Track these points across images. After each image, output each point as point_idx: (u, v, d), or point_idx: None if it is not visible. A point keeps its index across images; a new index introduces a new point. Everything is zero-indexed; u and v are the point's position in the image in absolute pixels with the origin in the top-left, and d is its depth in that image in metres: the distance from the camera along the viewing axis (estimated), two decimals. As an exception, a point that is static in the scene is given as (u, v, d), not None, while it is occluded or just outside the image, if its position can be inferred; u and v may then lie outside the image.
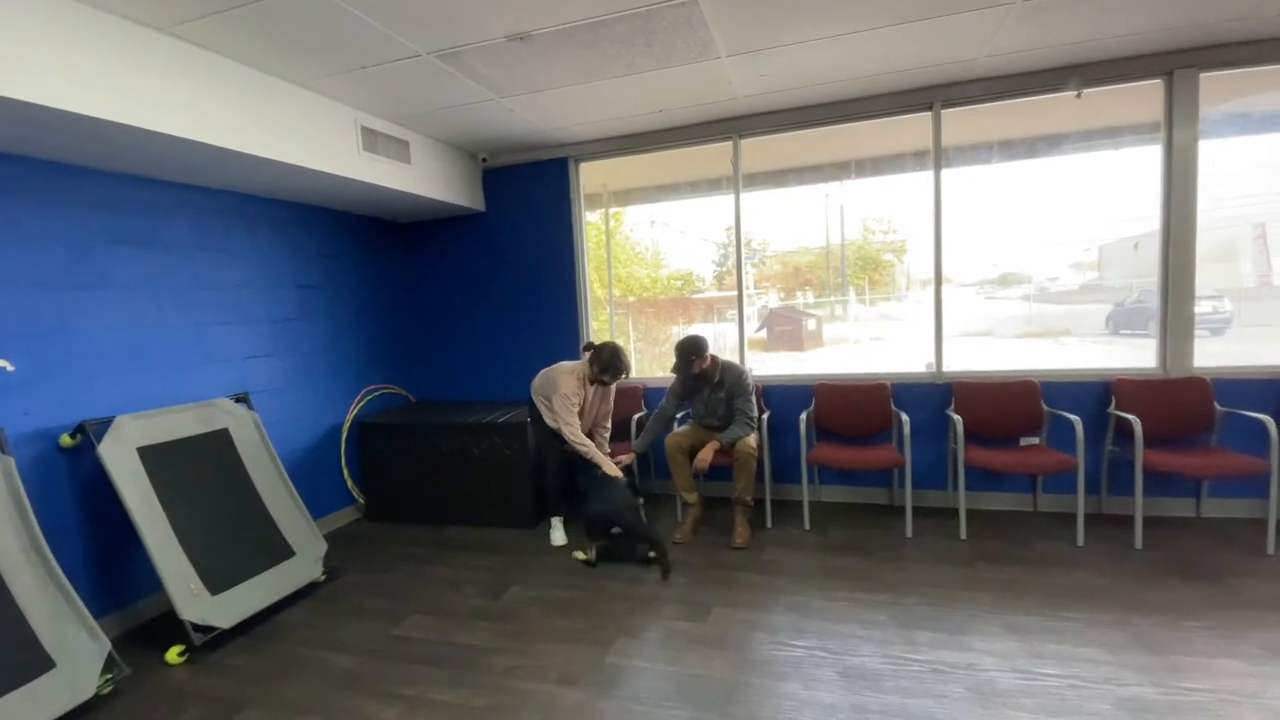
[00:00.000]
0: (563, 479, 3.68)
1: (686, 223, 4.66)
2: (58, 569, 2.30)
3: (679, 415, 3.74)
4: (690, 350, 3.38)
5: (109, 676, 2.29)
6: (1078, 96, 3.39)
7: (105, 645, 2.31)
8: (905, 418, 3.48)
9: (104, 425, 2.65)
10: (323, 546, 3.24)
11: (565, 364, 3.58)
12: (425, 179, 3.90)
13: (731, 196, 4.09)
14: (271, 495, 3.17)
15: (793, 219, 4.38)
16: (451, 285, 4.75)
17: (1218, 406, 3.28)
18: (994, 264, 4.15)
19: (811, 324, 4.69)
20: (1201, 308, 3.42)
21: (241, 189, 3.41)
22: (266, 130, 2.85)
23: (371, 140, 3.46)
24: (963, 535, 3.30)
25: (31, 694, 2.08)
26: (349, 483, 4.18)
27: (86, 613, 2.32)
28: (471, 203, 4.41)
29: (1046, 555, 3.05)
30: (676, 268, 4.82)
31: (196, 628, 2.53)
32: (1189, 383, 3.34)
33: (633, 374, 3.51)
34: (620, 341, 4.61)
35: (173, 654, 2.52)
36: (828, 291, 4.65)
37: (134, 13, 2.27)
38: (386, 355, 4.60)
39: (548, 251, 4.46)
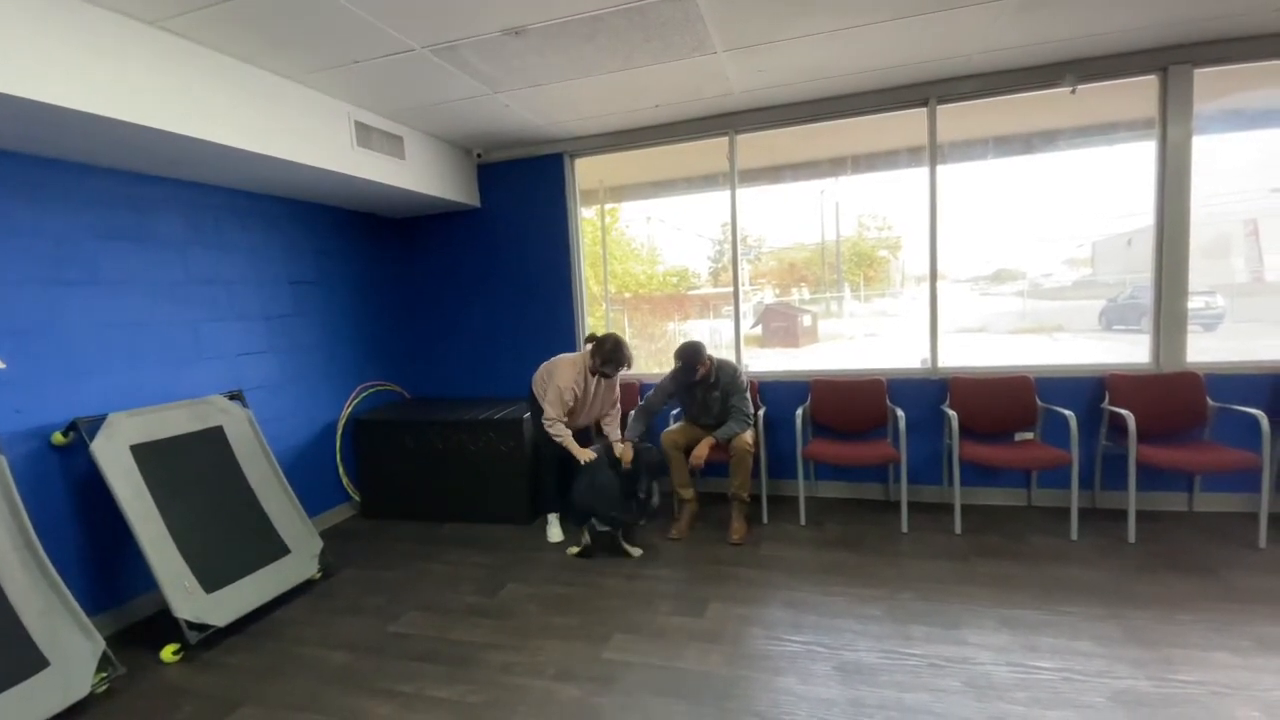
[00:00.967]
0: (560, 475, 3.68)
1: (682, 219, 4.66)
2: (51, 567, 2.29)
3: (673, 412, 3.73)
4: (694, 358, 3.36)
5: (103, 675, 2.28)
6: (1073, 92, 3.40)
7: (99, 644, 2.30)
8: (900, 413, 3.49)
9: (97, 423, 2.63)
10: (318, 544, 3.23)
11: (566, 356, 3.57)
12: (420, 174, 3.88)
13: (727, 192, 4.09)
14: (266, 492, 3.16)
15: (788, 215, 4.38)
16: (447, 281, 4.73)
17: (1210, 401, 3.30)
18: (988, 260, 4.16)
19: (807, 320, 4.70)
20: (1194, 303, 3.44)
21: (234, 184, 3.38)
22: (259, 125, 2.82)
23: (365, 135, 3.43)
24: (958, 530, 3.32)
25: (25, 693, 2.06)
26: (344, 480, 4.17)
27: (80, 611, 2.30)
28: (466, 198, 4.39)
29: (1041, 550, 3.07)
30: (672, 264, 4.81)
31: (191, 626, 2.52)
32: (1182, 378, 3.36)
33: (634, 367, 3.50)
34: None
35: (168, 652, 2.51)
36: (823, 287, 4.66)
37: (124, 6, 2.25)
38: (382, 351, 4.58)
39: (543, 247, 4.45)
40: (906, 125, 3.74)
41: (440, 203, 4.26)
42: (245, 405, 3.30)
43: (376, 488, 4.14)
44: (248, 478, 3.12)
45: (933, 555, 3.08)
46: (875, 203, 4.23)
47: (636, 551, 3.27)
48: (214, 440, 3.06)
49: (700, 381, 3.46)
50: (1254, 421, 2.98)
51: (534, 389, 3.60)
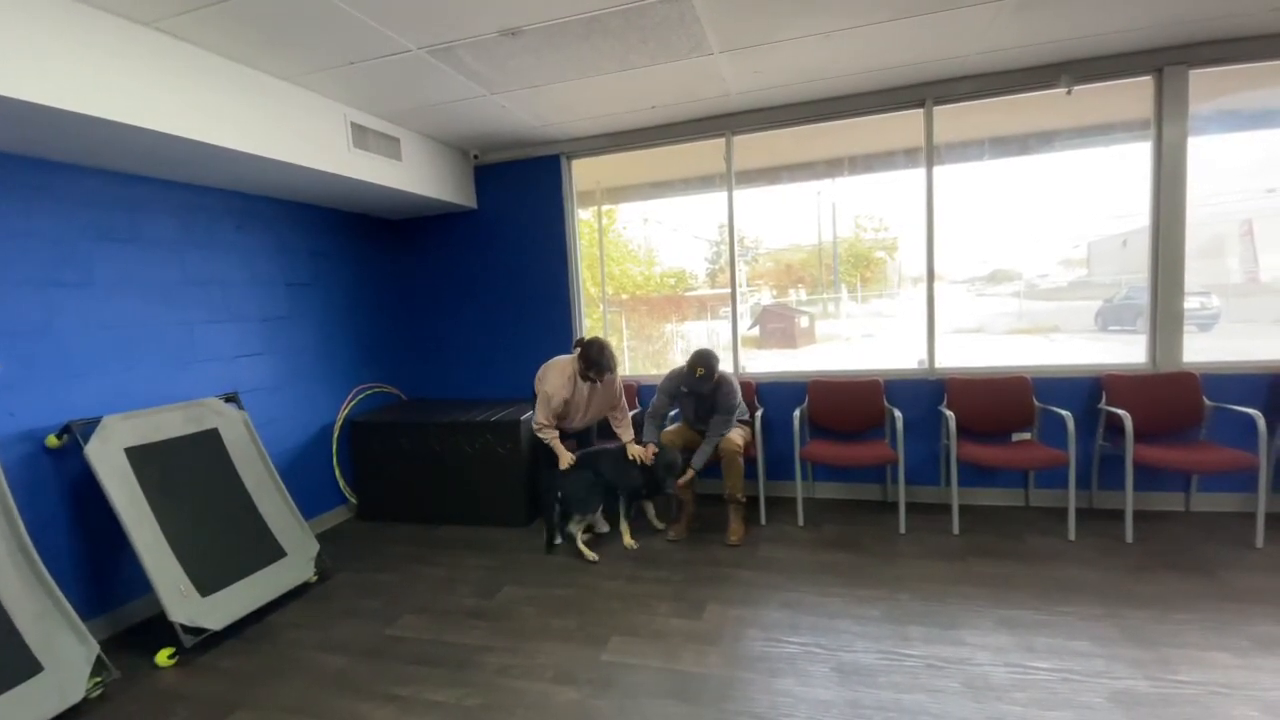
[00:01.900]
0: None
1: (679, 220, 4.65)
2: (45, 571, 2.27)
3: (670, 413, 3.73)
4: (712, 367, 3.31)
5: (98, 679, 2.27)
6: (1068, 93, 3.40)
7: (94, 648, 2.28)
8: (898, 414, 3.49)
9: (91, 425, 2.62)
10: (314, 546, 3.22)
11: (562, 359, 3.57)
12: (416, 176, 3.87)
13: (724, 194, 4.09)
14: (262, 495, 3.14)
15: (785, 216, 4.38)
16: (443, 283, 4.73)
17: (1206, 401, 3.31)
18: (985, 261, 4.17)
19: (804, 321, 4.70)
20: (1190, 303, 3.45)
21: (230, 185, 3.37)
22: (255, 126, 2.81)
23: (362, 137, 3.43)
24: (955, 530, 3.32)
25: (19, 698, 2.05)
26: (341, 482, 4.16)
27: (74, 615, 2.29)
28: (463, 200, 4.38)
29: (1038, 550, 3.08)
30: (669, 265, 4.81)
31: (187, 629, 2.51)
32: (1178, 378, 3.37)
33: (622, 369, 3.49)
34: (613, 339, 4.62)
35: (163, 656, 2.50)
36: (820, 289, 4.66)
37: (119, 7, 2.24)
38: (378, 353, 4.57)
39: (540, 249, 4.44)
40: (903, 126, 3.75)
41: (437, 204, 4.25)
42: (241, 407, 3.29)
43: (373, 490, 4.13)
44: (243, 480, 3.10)
45: (930, 556, 3.08)
46: (872, 204, 4.23)
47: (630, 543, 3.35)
48: (209, 443, 3.05)
49: (705, 391, 3.43)
50: (1250, 421, 2.99)
51: (536, 388, 3.59)
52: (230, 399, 3.28)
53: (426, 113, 3.56)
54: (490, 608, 2.84)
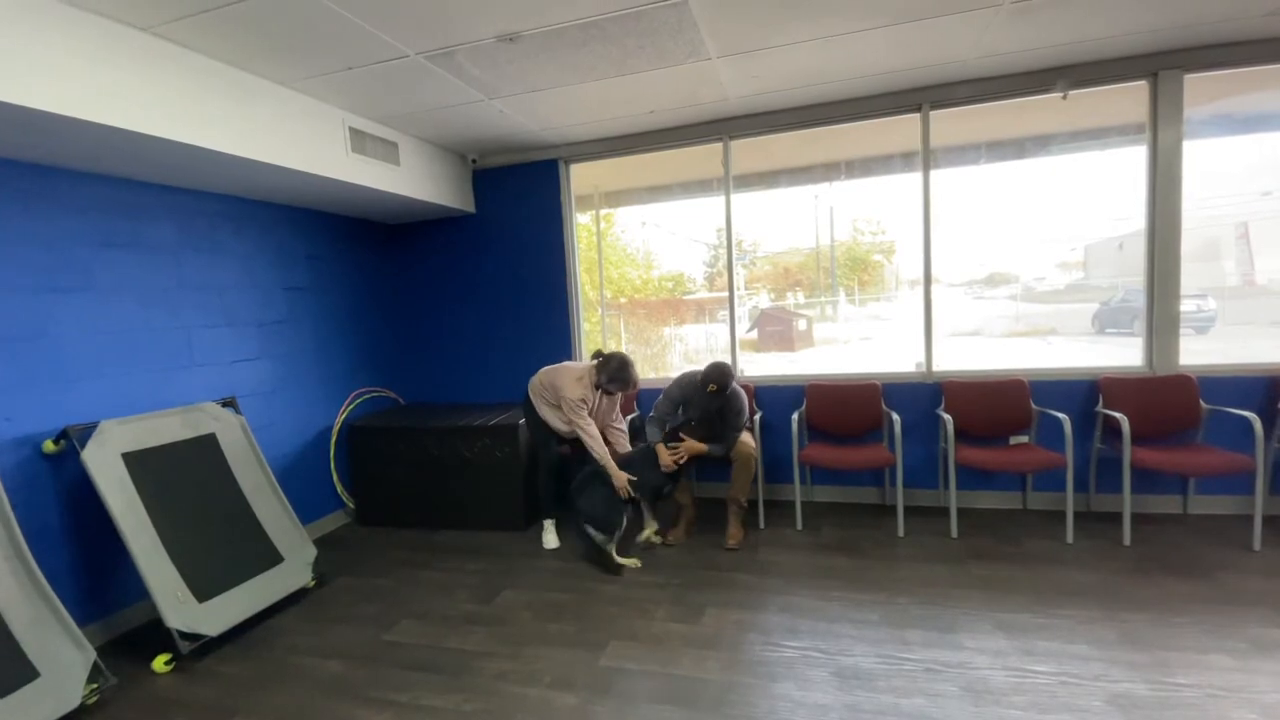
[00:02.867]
0: (556, 480, 3.66)
1: (677, 224, 4.66)
2: (41, 577, 2.26)
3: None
4: (726, 383, 3.26)
5: (94, 686, 2.25)
6: (1064, 98, 3.42)
7: (90, 654, 2.27)
8: (896, 417, 3.49)
9: (88, 430, 2.61)
10: (312, 552, 3.21)
11: (570, 367, 3.48)
12: (414, 180, 3.88)
13: (722, 198, 4.09)
14: (259, 500, 3.14)
15: (783, 220, 4.39)
16: (442, 287, 4.73)
17: (1203, 404, 3.32)
18: (982, 264, 4.18)
19: (802, 324, 4.71)
20: (1186, 306, 3.46)
21: (227, 190, 3.37)
22: (253, 131, 2.81)
23: (360, 141, 3.43)
24: (954, 534, 3.32)
25: (15, 705, 2.04)
26: (338, 487, 4.15)
27: (71, 621, 2.28)
28: (461, 204, 4.38)
29: (1036, 553, 3.08)
30: (668, 269, 4.82)
31: (184, 635, 2.50)
32: (1175, 381, 3.38)
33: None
34: (612, 343, 4.63)
35: (159, 662, 2.49)
36: (818, 292, 4.67)
37: (117, 12, 2.24)
38: (376, 358, 4.57)
39: (538, 253, 4.45)
40: (900, 130, 3.76)
41: (435, 208, 4.25)
42: (238, 412, 3.28)
43: (371, 495, 4.12)
44: (241, 485, 3.09)
45: (929, 559, 3.08)
46: (869, 207, 4.25)
47: (634, 562, 3.24)
48: (207, 448, 3.04)
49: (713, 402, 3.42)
50: (1247, 424, 2.99)
51: (531, 395, 3.57)
52: (228, 404, 3.27)
53: (424, 117, 3.57)
54: (488, 613, 2.83)
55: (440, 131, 3.85)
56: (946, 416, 3.46)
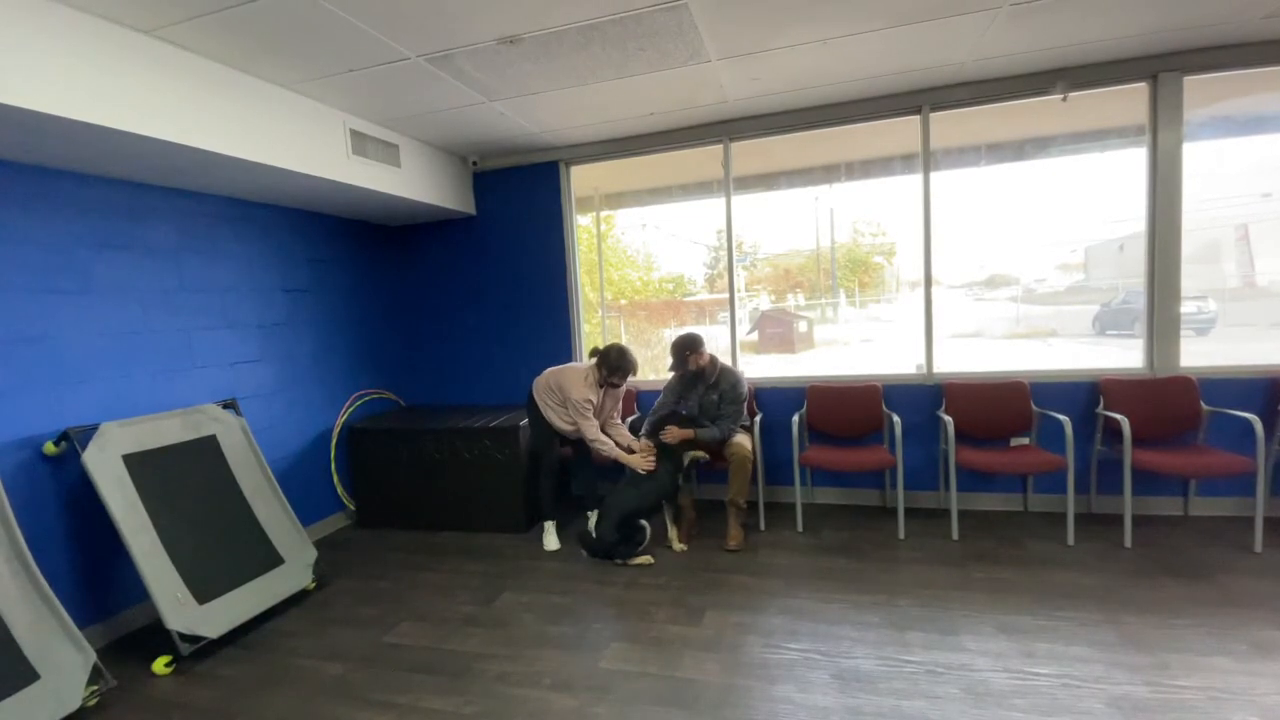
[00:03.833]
0: (557, 482, 3.66)
1: (678, 226, 4.66)
2: (41, 579, 2.26)
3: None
4: (685, 347, 3.38)
5: (94, 688, 2.25)
6: (1064, 100, 3.42)
7: (90, 656, 2.27)
8: (896, 419, 3.49)
9: (89, 432, 2.61)
10: (312, 553, 3.21)
11: (574, 368, 3.52)
12: (415, 182, 3.88)
13: (722, 199, 4.10)
14: (260, 502, 3.14)
15: (783, 221, 4.40)
16: (442, 289, 4.73)
17: (1204, 406, 3.32)
18: (982, 265, 4.18)
19: (802, 326, 4.71)
20: (1186, 308, 3.46)
21: (228, 192, 3.37)
22: (254, 134, 2.82)
23: (361, 144, 3.44)
24: (954, 536, 3.32)
25: (15, 707, 2.04)
26: (339, 488, 4.15)
27: (71, 623, 2.28)
28: (462, 206, 4.39)
29: (1037, 555, 3.07)
30: (668, 271, 4.82)
31: (184, 637, 2.50)
32: (1175, 382, 3.38)
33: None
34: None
35: (160, 664, 2.49)
36: (818, 294, 4.67)
37: (118, 15, 2.25)
38: (377, 359, 4.57)
39: (539, 255, 4.45)
40: (900, 132, 3.76)
41: (436, 210, 4.26)
42: (239, 414, 3.28)
43: (371, 496, 4.12)
44: (241, 487, 3.10)
45: (930, 561, 3.08)
46: (869, 209, 4.25)
47: (648, 559, 3.27)
48: (207, 449, 3.04)
49: (700, 376, 3.46)
50: (1248, 425, 2.99)
51: (535, 396, 3.58)
52: (228, 405, 3.27)
53: (425, 120, 3.57)
54: (489, 615, 2.83)
55: (441, 133, 3.86)
56: (947, 418, 3.45)
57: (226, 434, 3.15)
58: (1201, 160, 3.35)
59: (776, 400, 4.02)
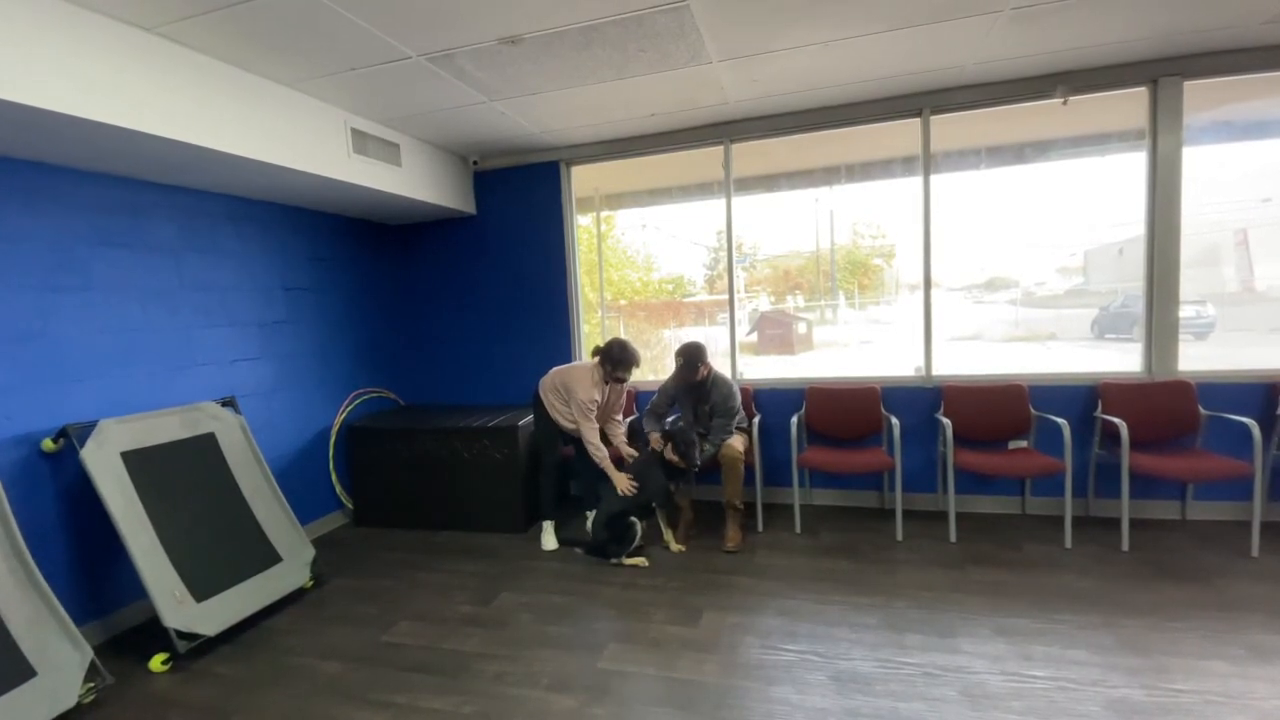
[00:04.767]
0: (558, 482, 3.66)
1: (678, 226, 4.67)
2: (39, 575, 2.26)
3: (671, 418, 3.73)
4: (698, 355, 3.38)
5: (91, 685, 2.25)
6: (1064, 103, 3.43)
7: (87, 653, 2.27)
8: (895, 421, 3.50)
9: (87, 429, 2.61)
10: (310, 552, 3.21)
11: (580, 367, 3.52)
12: (416, 181, 3.88)
13: (722, 200, 4.10)
14: (258, 500, 3.13)
15: (783, 223, 4.40)
16: (442, 288, 4.73)
17: (1202, 410, 3.32)
18: (982, 268, 4.19)
19: (802, 327, 4.71)
20: (1185, 312, 3.47)
21: (229, 190, 3.37)
22: (255, 131, 2.82)
23: (362, 142, 3.44)
24: (952, 538, 3.32)
25: (11, 704, 2.04)
26: (337, 487, 4.14)
27: (68, 620, 2.28)
28: (462, 205, 4.39)
29: (1035, 558, 3.08)
30: (668, 271, 4.82)
31: (181, 635, 2.50)
32: (1174, 386, 3.38)
33: (630, 375, 3.45)
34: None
35: (156, 662, 2.48)
36: (818, 295, 4.67)
37: (119, 11, 2.24)
38: (376, 358, 4.57)
39: (539, 254, 4.45)
40: (900, 135, 3.77)
41: (436, 210, 4.26)
42: (238, 412, 3.28)
43: (370, 495, 4.12)
44: (240, 485, 3.09)
45: (927, 563, 3.08)
46: (869, 211, 4.25)
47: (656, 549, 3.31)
48: (206, 447, 3.04)
49: (699, 384, 3.46)
50: (1246, 430, 3.00)
51: (541, 394, 3.57)
52: (227, 403, 3.27)
53: (426, 119, 3.58)
54: (487, 614, 2.83)
55: (441, 133, 3.86)
56: (945, 420, 3.46)
57: (225, 432, 3.15)
58: (1201, 165, 3.35)
59: (775, 401, 4.02)
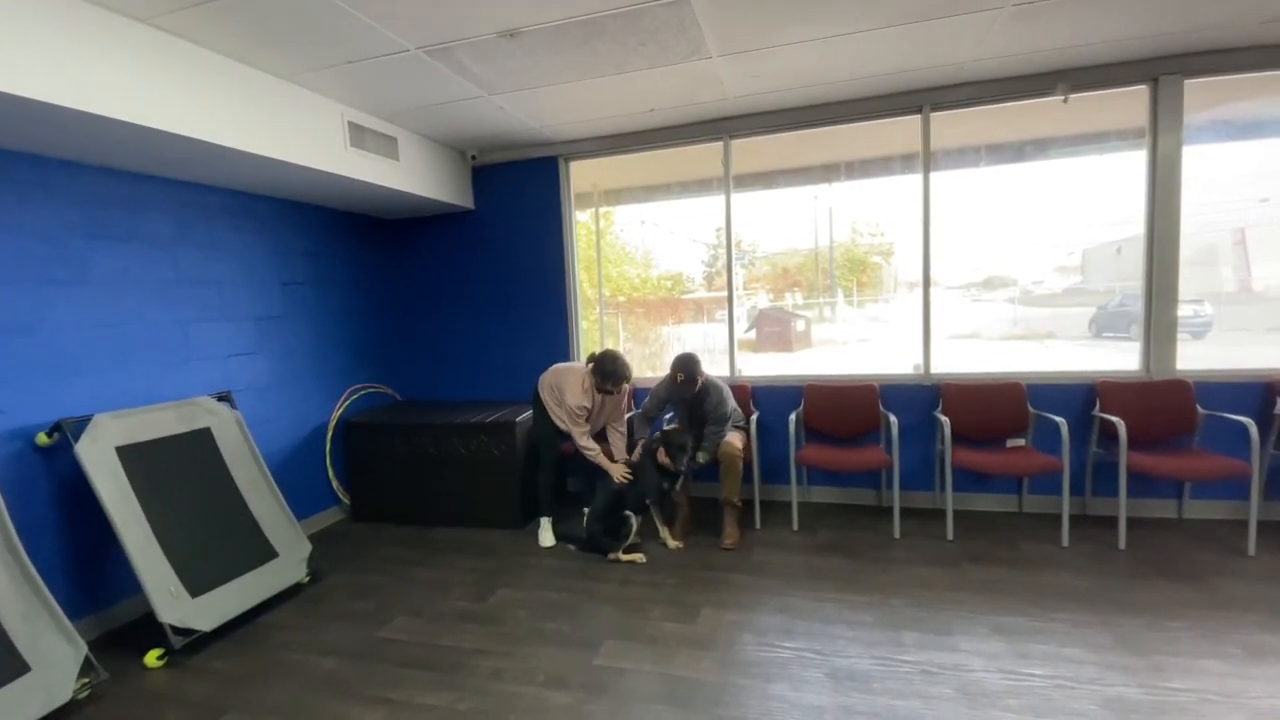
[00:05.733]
0: (556, 479, 3.66)
1: (676, 223, 4.66)
2: (33, 571, 2.25)
3: (667, 415, 3.73)
4: (694, 371, 3.35)
5: (86, 680, 2.24)
6: (1065, 101, 3.42)
7: (82, 648, 2.26)
8: (893, 419, 3.49)
9: (82, 424, 2.59)
10: (307, 547, 3.20)
11: (575, 370, 3.52)
12: (414, 176, 3.86)
13: (721, 197, 4.09)
14: (254, 495, 3.12)
15: (782, 220, 4.39)
16: (440, 284, 4.71)
17: (1199, 409, 3.33)
18: (980, 267, 4.19)
19: (800, 325, 4.71)
20: (1183, 311, 3.47)
21: (225, 184, 3.35)
22: (251, 124, 2.80)
23: (359, 136, 3.42)
24: (950, 536, 3.32)
25: (6, 699, 2.03)
26: (334, 483, 4.13)
27: (63, 615, 2.27)
28: (460, 200, 4.37)
29: (1032, 556, 3.08)
30: (666, 268, 4.82)
31: (176, 630, 2.49)
32: (1172, 385, 3.39)
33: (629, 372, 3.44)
34: (610, 341, 4.62)
35: (152, 657, 2.47)
36: (816, 293, 4.67)
37: (115, 3, 2.22)
38: (373, 354, 4.55)
39: (537, 250, 4.44)
40: (900, 132, 3.76)
41: (434, 204, 4.24)
42: (234, 407, 3.26)
43: (366, 491, 4.11)
44: (235, 480, 3.08)
45: (925, 561, 3.08)
46: (868, 209, 4.25)
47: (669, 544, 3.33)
48: (202, 442, 3.03)
49: (694, 394, 3.44)
50: (1243, 429, 3.00)
51: (540, 391, 3.56)
52: (223, 398, 3.26)
53: (424, 113, 3.56)
54: (483, 611, 2.83)
55: (440, 127, 3.84)
56: (944, 419, 3.46)
57: (221, 427, 3.13)
58: (1200, 164, 3.35)
59: (773, 399, 4.02)
